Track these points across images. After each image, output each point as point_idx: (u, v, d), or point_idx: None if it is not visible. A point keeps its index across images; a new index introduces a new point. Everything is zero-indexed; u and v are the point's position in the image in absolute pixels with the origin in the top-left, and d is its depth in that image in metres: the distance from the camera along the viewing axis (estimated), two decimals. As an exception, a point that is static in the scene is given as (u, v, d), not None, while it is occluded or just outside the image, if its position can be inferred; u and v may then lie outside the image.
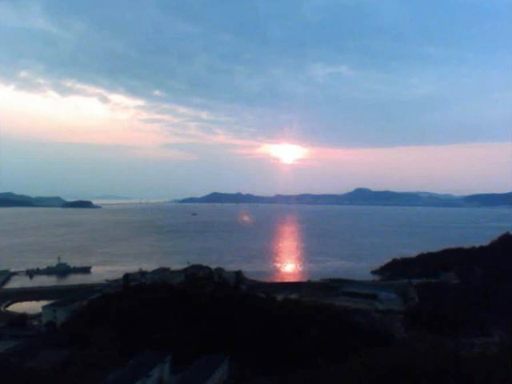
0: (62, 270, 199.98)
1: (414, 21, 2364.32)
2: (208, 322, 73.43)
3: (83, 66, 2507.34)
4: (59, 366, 60.46)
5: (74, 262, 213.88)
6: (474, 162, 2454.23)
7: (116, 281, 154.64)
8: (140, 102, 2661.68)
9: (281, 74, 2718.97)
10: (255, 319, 75.05)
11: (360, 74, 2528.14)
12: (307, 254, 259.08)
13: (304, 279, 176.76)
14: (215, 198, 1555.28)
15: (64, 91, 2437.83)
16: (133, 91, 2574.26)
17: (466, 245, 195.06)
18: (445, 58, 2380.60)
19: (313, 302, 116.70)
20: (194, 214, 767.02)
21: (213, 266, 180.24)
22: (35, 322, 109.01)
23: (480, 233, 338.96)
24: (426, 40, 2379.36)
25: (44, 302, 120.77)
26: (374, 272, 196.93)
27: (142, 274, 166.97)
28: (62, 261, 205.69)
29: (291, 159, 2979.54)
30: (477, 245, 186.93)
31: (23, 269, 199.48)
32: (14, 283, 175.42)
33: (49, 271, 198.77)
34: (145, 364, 55.37)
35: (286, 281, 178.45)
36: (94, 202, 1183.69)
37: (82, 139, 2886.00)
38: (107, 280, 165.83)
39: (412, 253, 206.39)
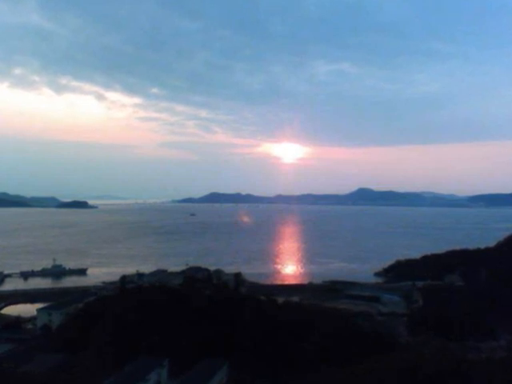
0: (57, 272, 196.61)
1: (417, 17, 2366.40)
2: (207, 326, 71.22)
3: (79, 63, 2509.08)
4: (54, 371, 58.38)
5: (70, 263, 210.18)
6: (479, 162, 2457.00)
7: (113, 283, 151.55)
8: (137, 100, 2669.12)
9: (282, 71, 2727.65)
10: (255, 323, 72.96)
11: (363, 71, 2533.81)
12: (308, 256, 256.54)
13: (305, 281, 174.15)
14: (214, 198, 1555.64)
15: (59, 89, 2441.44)
16: (130, 89, 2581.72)
17: (472, 246, 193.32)
18: (450, 54, 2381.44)
19: (314, 304, 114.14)
20: (193, 215, 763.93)
21: (211, 268, 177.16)
22: (30, 326, 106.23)
23: (486, 234, 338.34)
24: (431, 36, 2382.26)
25: (39, 305, 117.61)
26: (377, 274, 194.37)
27: (140, 275, 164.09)
28: (57, 262, 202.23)
29: (292, 158, 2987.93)
30: (482, 246, 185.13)
31: (17, 271, 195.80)
32: (8, 285, 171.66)
33: (44, 273, 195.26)
34: (142, 368, 53.74)
35: (287, 283, 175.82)
36: (90, 202, 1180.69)
37: (77, 138, 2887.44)
38: (104, 282, 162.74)
39: (416, 254, 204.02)
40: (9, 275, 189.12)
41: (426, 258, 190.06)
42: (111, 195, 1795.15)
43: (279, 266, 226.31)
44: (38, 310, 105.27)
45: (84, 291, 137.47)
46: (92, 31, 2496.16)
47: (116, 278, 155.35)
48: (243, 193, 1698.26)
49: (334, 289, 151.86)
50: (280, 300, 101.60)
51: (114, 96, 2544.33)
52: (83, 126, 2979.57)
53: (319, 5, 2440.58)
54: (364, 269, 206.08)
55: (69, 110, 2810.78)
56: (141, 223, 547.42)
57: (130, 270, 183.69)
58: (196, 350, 63.33)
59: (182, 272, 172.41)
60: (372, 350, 65.42)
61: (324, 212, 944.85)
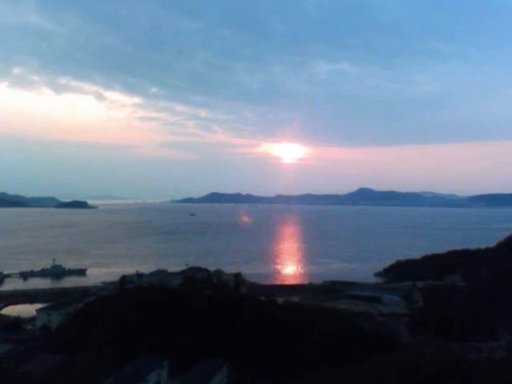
0: (57, 272, 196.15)
1: (418, 16, 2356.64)
2: (207, 326, 71.10)
3: (78, 63, 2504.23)
4: (54, 371, 58.38)
5: (69, 263, 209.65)
6: (479, 161, 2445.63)
7: (112, 283, 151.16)
8: (137, 100, 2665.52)
9: (282, 71, 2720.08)
10: (255, 323, 72.83)
11: (363, 71, 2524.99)
12: (309, 256, 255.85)
13: (305, 281, 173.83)
14: (214, 198, 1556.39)
15: (59, 88, 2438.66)
16: (129, 88, 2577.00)
17: (472, 246, 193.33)
18: (450, 54, 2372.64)
19: (315, 305, 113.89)
20: (193, 215, 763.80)
21: (211, 268, 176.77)
22: (29, 326, 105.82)
23: (486, 234, 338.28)
24: (431, 36, 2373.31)
25: (38, 305, 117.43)
26: (377, 274, 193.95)
27: (139, 276, 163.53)
28: (57, 262, 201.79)
29: (292, 158, 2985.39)
30: (483, 246, 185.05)
31: (17, 271, 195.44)
32: (8, 285, 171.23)
33: (43, 273, 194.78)
34: (142, 369, 53.72)
35: (287, 283, 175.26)
36: (90, 202, 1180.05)
37: (77, 138, 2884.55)
38: (103, 282, 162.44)
39: (416, 254, 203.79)
40: (8, 275, 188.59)
41: (426, 258, 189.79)
42: (111, 195, 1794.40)
43: (279, 266, 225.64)
44: (38, 311, 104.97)
45: (84, 291, 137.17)
46: (92, 31, 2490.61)
47: (116, 278, 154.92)
48: (243, 193, 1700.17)
49: (334, 289, 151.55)
50: (280, 300, 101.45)
51: (113, 96, 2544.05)
52: (83, 125, 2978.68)
53: (319, 4, 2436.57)
54: (364, 269, 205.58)
55: (68, 109, 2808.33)
56: (140, 223, 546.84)
57: (130, 270, 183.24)
58: (196, 350, 63.26)
59: (182, 272, 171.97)
60: (372, 350, 65.28)
61: (324, 212, 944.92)
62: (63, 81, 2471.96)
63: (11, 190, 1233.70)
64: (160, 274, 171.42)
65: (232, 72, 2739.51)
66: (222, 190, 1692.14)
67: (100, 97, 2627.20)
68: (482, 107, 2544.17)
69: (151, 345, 62.93)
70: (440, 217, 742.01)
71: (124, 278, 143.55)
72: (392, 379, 40.73)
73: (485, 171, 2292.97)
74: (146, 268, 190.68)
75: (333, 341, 67.25)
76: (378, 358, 54.12)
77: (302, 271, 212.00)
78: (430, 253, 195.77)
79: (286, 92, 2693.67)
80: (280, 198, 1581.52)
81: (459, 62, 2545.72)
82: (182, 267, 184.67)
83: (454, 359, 43.21)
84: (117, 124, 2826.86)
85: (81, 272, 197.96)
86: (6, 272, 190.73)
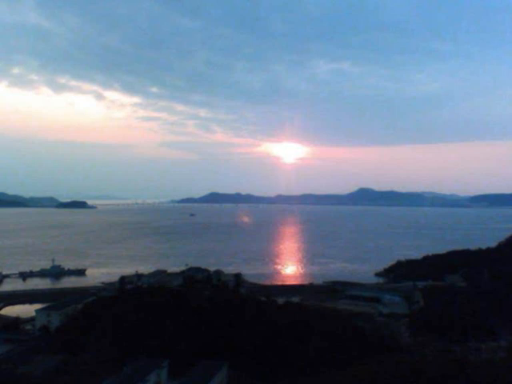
0: (56, 273, 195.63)
1: (419, 15, 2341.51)
2: (207, 327, 70.59)
3: (78, 62, 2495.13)
4: (52, 373, 58.05)
5: (69, 264, 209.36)
6: (481, 161, 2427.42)
7: (112, 283, 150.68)
8: (136, 100, 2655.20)
9: (282, 70, 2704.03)
10: (255, 324, 72.31)
11: (364, 70, 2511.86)
12: (309, 256, 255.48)
13: (306, 282, 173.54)
14: (214, 198, 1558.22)
15: (58, 88, 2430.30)
16: (129, 88, 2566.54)
17: (473, 246, 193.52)
18: (452, 53, 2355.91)
19: (315, 305, 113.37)
20: (192, 215, 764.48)
21: (211, 269, 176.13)
22: (28, 326, 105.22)
23: (487, 234, 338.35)
24: (432, 35, 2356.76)
25: (37, 306, 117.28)
26: (377, 274, 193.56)
27: (139, 276, 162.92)
28: (56, 263, 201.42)
29: (292, 158, 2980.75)
30: (483, 246, 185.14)
31: (16, 271, 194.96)
32: (7, 286, 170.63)
33: (42, 273, 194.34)
34: (141, 370, 53.10)
35: (288, 283, 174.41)
36: (89, 202, 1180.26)
37: (76, 138, 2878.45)
38: (103, 283, 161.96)
39: (417, 255, 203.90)
40: (7, 276, 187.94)
41: (426, 259, 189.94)
42: (110, 195, 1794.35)
43: (279, 267, 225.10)
44: (37, 311, 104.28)
45: (83, 292, 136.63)
46: (91, 30, 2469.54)
47: (115, 278, 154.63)
48: (243, 193, 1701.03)
49: (334, 289, 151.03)
50: (281, 301, 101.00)
51: (113, 95, 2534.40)
52: (82, 125, 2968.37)
53: (320, 3, 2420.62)
54: (365, 269, 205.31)
55: (68, 109, 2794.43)
56: (140, 223, 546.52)
57: (130, 270, 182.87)
58: (196, 352, 62.76)
59: (182, 272, 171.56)
60: (373, 351, 64.83)
61: (324, 212, 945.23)
62: (62, 80, 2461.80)
63: (10, 189, 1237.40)
64: (160, 274, 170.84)
65: (232, 71, 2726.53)
66: (221, 190, 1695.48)
67: (99, 96, 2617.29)
68: (483, 106, 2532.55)
69: (151, 346, 62.44)
70: (441, 217, 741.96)
71: (123, 279, 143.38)
72: (394, 382, 40.16)
73: (486, 171, 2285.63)
74: (146, 268, 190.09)
75: (333, 343, 66.85)
76: (379, 360, 53.63)
77: (302, 271, 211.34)
78: (430, 253, 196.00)
79: (286, 91, 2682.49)
80: (280, 198, 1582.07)
81: (460, 61, 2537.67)
82: (182, 267, 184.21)
83: (456, 362, 42.75)
84: (116, 124, 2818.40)
85: (80, 272, 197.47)
86: (5, 272, 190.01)
